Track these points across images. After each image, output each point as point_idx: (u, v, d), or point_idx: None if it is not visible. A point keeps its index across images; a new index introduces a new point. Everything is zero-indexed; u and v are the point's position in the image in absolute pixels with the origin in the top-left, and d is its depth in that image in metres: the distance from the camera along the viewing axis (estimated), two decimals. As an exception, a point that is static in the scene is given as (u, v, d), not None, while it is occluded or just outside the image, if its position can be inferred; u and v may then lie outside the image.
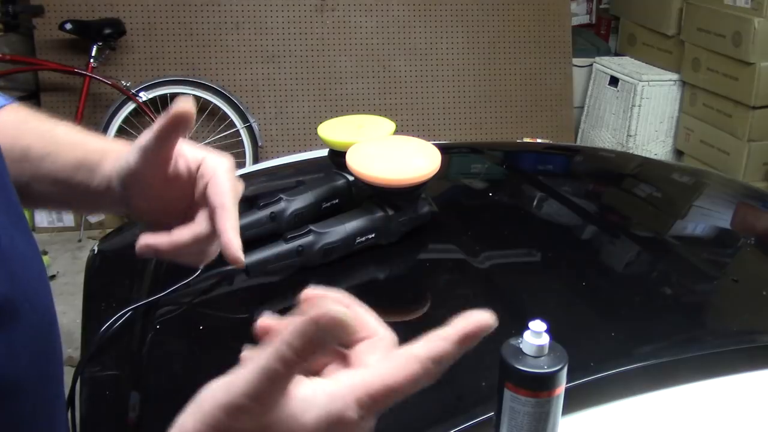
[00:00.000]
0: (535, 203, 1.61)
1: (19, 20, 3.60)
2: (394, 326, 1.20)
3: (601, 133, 4.44)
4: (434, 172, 1.31)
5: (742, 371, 1.03)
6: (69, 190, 0.71)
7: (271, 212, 1.30)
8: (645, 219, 1.62)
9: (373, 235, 1.29)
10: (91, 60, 3.49)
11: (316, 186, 1.37)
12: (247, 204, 1.29)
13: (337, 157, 1.42)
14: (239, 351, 1.10)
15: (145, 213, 0.71)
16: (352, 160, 1.30)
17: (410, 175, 1.28)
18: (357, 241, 1.27)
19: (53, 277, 3.22)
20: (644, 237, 1.51)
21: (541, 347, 0.79)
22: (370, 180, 1.28)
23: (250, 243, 1.24)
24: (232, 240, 0.65)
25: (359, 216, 1.29)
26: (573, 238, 1.48)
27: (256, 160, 3.71)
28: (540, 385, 0.79)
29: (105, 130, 3.50)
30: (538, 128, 4.23)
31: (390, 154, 1.33)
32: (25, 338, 0.55)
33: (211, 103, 3.66)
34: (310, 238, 1.23)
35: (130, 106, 3.54)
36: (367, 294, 1.34)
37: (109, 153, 0.70)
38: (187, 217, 0.68)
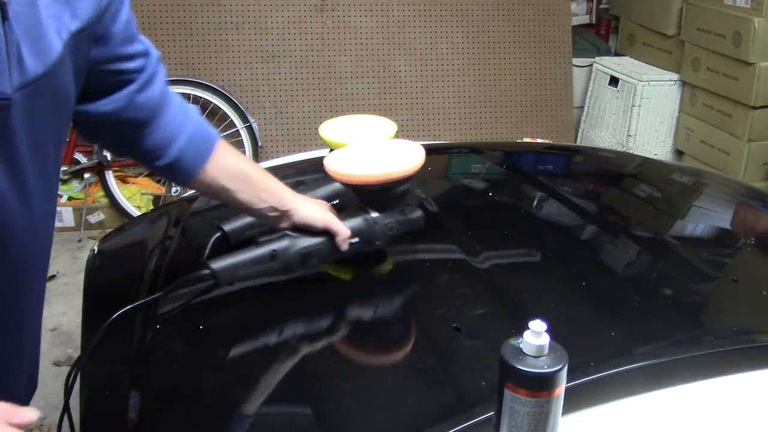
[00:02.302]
0: (535, 203, 1.62)
1: (19, 20, 3.60)
2: (395, 326, 1.20)
3: (601, 133, 4.44)
4: (411, 171, 1.26)
5: (742, 371, 1.03)
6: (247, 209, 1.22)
7: None
8: (645, 219, 1.62)
9: (357, 240, 1.25)
10: (91, 60, 3.48)
11: (316, 187, 1.37)
12: None
13: (337, 157, 1.42)
14: (238, 351, 1.10)
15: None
16: (330, 160, 1.30)
17: (383, 172, 1.24)
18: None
19: (53, 277, 3.22)
20: (644, 237, 1.51)
21: (541, 347, 0.79)
22: (342, 178, 1.26)
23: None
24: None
25: (341, 219, 1.25)
26: (573, 238, 1.48)
27: (256, 160, 3.71)
28: (540, 385, 0.79)
29: (105, 130, 3.50)
30: (538, 128, 4.23)
31: (370, 154, 1.32)
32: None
33: (211, 103, 3.66)
34: (284, 242, 1.19)
35: (130, 106, 3.53)
36: (367, 294, 1.34)
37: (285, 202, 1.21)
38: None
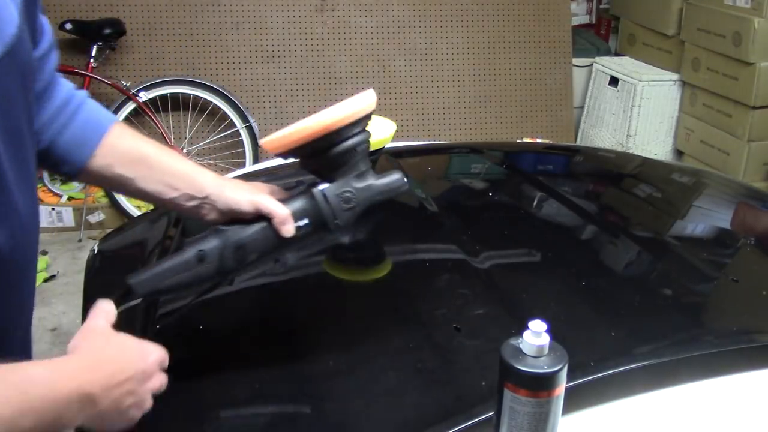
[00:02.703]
0: (535, 203, 1.61)
1: (19, 20, 3.60)
2: (395, 326, 1.20)
3: (601, 133, 4.44)
4: (351, 117, 0.97)
5: (742, 371, 1.03)
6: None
7: None
8: (645, 219, 1.62)
9: (305, 221, 0.99)
10: (91, 60, 3.49)
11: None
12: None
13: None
14: (238, 351, 1.10)
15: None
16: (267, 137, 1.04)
17: (310, 124, 0.95)
18: None
19: (53, 277, 3.22)
20: (644, 237, 1.51)
21: (541, 347, 0.79)
22: (271, 146, 0.99)
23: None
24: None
25: (286, 201, 1.01)
26: (573, 238, 1.48)
27: (256, 160, 3.71)
28: (540, 385, 0.79)
29: (105, 130, 3.50)
30: (538, 128, 4.23)
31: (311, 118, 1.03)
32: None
33: (211, 103, 3.66)
34: (212, 238, 0.98)
35: (130, 106, 3.54)
36: (367, 293, 1.34)
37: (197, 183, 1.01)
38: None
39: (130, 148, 1.00)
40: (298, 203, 0.99)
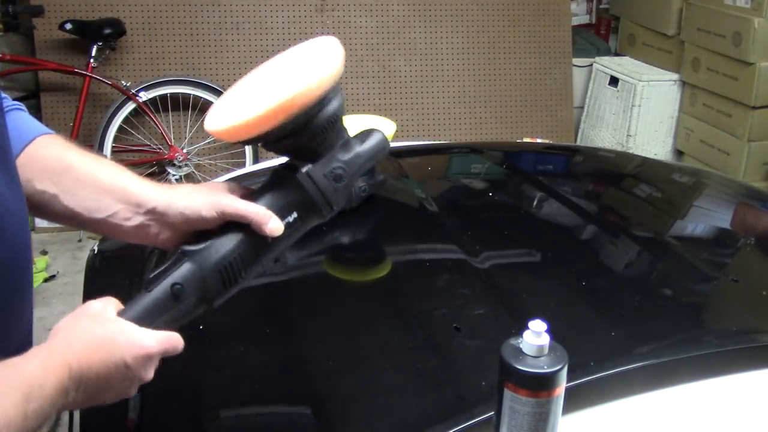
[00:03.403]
0: (535, 203, 1.61)
1: (19, 20, 3.60)
2: (395, 326, 1.19)
3: (601, 133, 4.44)
4: (326, 82, 0.76)
5: (742, 371, 1.03)
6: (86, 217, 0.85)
7: None
8: (645, 219, 1.62)
9: (293, 215, 0.80)
10: (91, 60, 3.48)
11: None
12: None
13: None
14: (238, 351, 1.10)
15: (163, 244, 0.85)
16: (209, 118, 0.84)
17: (277, 101, 0.75)
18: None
19: (53, 277, 3.22)
20: (644, 237, 1.51)
21: (541, 347, 0.79)
22: (225, 135, 0.79)
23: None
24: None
25: (261, 196, 0.81)
26: (573, 238, 1.48)
27: (256, 160, 3.71)
28: (540, 385, 0.79)
29: (105, 130, 3.50)
30: (538, 128, 4.23)
31: (257, 87, 0.86)
32: None
33: (211, 103, 3.65)
34: (183, 265, 0.78)
35: (130, 106, 3.54)
36: (367, 294, 1.34)
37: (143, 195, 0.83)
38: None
39: (54, 158, 0.83)
40: (281, 196, 0.80)
